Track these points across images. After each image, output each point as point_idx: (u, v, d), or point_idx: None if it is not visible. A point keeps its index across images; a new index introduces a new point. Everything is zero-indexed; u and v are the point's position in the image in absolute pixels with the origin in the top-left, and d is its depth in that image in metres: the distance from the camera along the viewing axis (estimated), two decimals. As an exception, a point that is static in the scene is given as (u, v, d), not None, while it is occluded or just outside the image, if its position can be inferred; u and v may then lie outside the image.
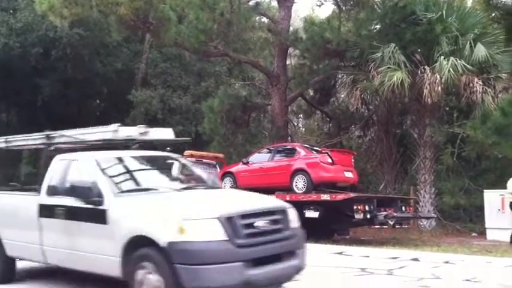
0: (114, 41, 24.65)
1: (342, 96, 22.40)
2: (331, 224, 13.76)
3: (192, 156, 16.91)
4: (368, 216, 12.30)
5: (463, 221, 16.45)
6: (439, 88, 14.23)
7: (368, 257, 8.70)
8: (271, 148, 15.48)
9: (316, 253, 9.37)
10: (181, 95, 24.82)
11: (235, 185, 14.65)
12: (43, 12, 16.40)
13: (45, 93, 24.78)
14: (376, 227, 13.39)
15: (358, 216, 12.21)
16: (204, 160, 17.52)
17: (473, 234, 15.24)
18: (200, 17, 15.02)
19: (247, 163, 15.00)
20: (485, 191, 14.62)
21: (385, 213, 12.50)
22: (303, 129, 27.44)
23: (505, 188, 13.26)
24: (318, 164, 13.36)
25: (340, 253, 9.28)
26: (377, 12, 17.03)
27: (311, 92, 23.77)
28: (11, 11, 23.27)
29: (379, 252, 9.96)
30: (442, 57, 14.49)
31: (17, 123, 27.77)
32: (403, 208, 13.47)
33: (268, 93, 21.99)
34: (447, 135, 16.78)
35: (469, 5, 17.72)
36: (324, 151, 13.91)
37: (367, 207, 12.26)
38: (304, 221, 11.60)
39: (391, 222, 12.88)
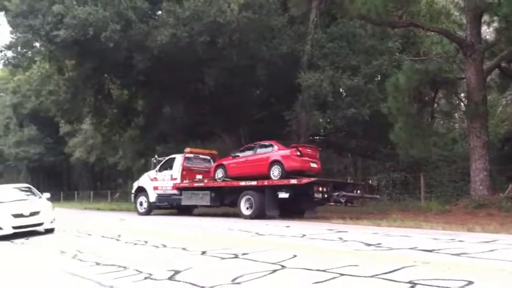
0: (279, 23, 23.45)
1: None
2: (300, 204, 17.01)
3: (191, 152, 21.14)
4: (325, 196, 15.53)
5: None
6: None
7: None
8: (254, 144, 18.62)
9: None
10: (351, 76, 22.84)
11: (226, 174, 18.37)
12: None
13: (210, 84, 24.31)
14: (331, 204, 16.20)
15: (318, 195, 15.48)
16: (201, 156, 21.58)
17: None
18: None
19: (235, 156, 18.54)
20: None
21: (337, 192, 15.57)
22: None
23: None
24: (290, 156, 16.62)
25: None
26: None
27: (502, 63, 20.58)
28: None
29: None
30: None
31: (184, 115, 27.78)
32: (357, 191, 17.08)
33: (457, 66, 19.36)
34: None
35: None
36: (294, 146, 17.01)
37: (324, 189, 15.58)
38: (279, 201, 16.35)
39: (343, 201, 15.76)
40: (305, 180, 15.55)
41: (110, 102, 31.52)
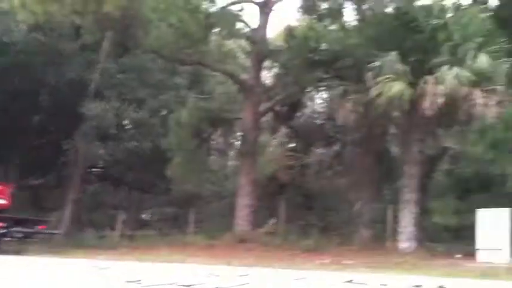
0: (70, 49, 22.70)
1: (309, 111, 21.72)
2: None
3: None
4: (3, 231, 16.38)
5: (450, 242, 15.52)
6: (440, 100, 13.37)
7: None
8: None
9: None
10: (137, 109, 23.04)
11: None
12: (12, 8, 14.85)
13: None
14: (8, 239, 17.00)
15: None
16: None
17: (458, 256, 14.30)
18: (184, 19, 13.67)
19: None
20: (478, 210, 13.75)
21: (15, 229, 16.79)
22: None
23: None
24: None
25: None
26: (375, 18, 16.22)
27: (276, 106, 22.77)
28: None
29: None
30: (445, 66, 13.68)
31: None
32: (36, 227, 18.06)
33: (237, 106, 20.96)
34: (436, 151, 16.07)
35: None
36: None
37: (4, 224, 16.40)
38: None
39: (20, 236, 17.19)
40: None
41: None
